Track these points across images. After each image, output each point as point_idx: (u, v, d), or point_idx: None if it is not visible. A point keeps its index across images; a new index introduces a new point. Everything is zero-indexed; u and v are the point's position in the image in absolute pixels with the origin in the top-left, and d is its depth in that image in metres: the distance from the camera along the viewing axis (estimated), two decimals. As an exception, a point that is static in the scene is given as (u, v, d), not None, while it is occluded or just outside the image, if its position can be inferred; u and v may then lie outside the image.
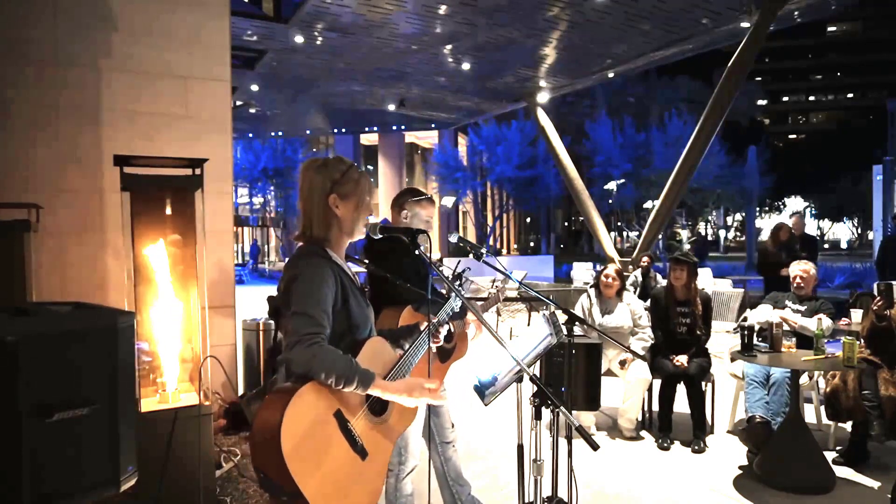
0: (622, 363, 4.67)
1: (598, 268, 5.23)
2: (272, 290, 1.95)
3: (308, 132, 25.01)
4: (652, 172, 27.09)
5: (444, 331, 2.13)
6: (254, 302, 5.63)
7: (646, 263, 8.74)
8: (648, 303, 5.22)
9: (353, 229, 1.88)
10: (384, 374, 1.83)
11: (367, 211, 1.90)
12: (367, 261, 2.66)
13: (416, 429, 2.64)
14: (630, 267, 11.78)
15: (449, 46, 11.39)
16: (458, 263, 2.73)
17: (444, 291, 2.65)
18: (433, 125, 21.71)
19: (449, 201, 31.88)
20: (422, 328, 2.03)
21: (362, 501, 1.73)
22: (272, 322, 5.27)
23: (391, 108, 16.38)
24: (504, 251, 37.98)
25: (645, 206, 29.04)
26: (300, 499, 1.54)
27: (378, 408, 1.81)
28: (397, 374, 1.87)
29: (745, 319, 4.55)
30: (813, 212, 46.51)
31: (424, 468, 2.70)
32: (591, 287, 5.12)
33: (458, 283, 2.62)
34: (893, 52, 56.56)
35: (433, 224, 2.87)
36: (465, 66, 12.57)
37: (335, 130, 24.01)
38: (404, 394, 1.75)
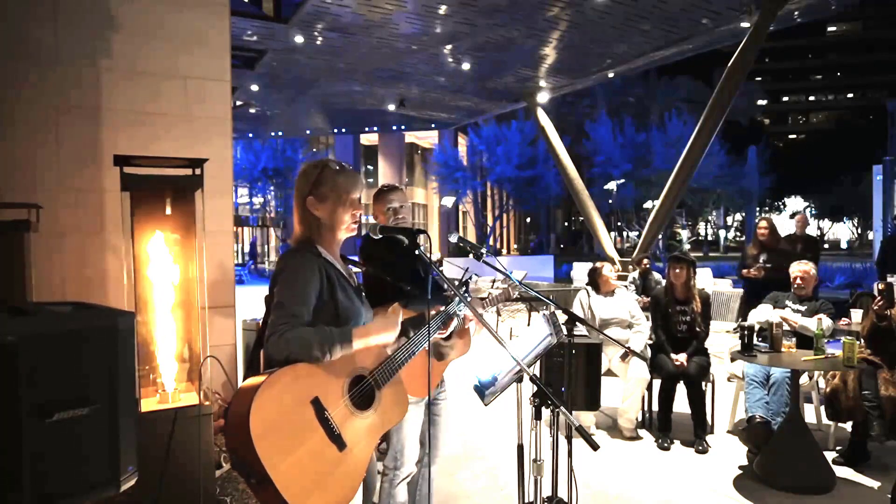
0: (623, 356, 4.68)
1: (596, 265, 5.25)
2: (272, 290, 1.95)
3: (308, 132, 25.01)
4: (652, 172, 27.12)
5: (454, 324, 2.13)
6: (254, 302, 5.63)
7: (645, 266, 8.72)
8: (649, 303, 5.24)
9: (337, 228, 1.90)
10: (373, 367, 1.85)
11: (350, 208, 1.90)
12: (360, 261, 2.65)
13: (413, 433, 2.58)
14: (630, 267, 11.79)
15: (449, 46, 11.39)
16: (467, 271, 2.72)
17: (446, 294, 2.63)
18: (433, 125, 21.72)
19: (449, 201, 31.88)
20: (427, 320, 2.03)
21: (338, 494, 1.69)
22: None
23: (391, 108, 16.39)
24: (504, 251, 37.98)
25: (645, 206, 29.06)
26: (269, 483, 1.51)
27: (362, 401, 1.80)
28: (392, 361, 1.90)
29: (745, 319, 4.55)
30: (813, 212, 46.51)
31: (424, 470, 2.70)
32: (586, 284, 5.16)
33: (463, 290, 2.60)
34: (893, 52, 56.55)
35: (408, 209, 2.90)
36: (465, 66, 12.57)
37: (335, 130, 24.02)
38: (383, 331, 1.80)
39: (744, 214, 37.17)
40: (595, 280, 5.03)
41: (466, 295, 2.56)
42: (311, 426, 1.64)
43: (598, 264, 5.19)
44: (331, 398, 1.71)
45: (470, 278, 2.67)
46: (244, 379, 1.70)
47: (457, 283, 2.56)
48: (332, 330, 1.71)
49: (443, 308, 2.29)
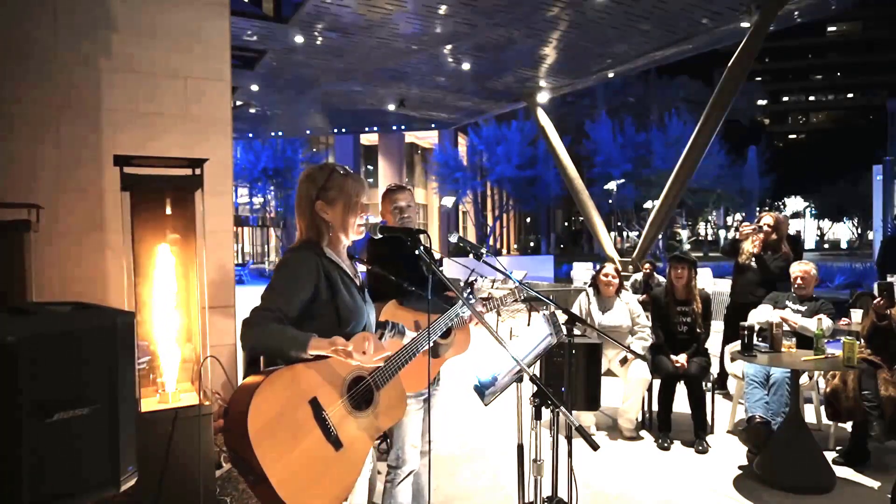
0: (623, 361, 4.67)
1: (597, 267, 5.22)
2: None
3: (308, 132, 25.02)
4: (652, 172, 27.16)
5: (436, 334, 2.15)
6: (254, 302, 5.63)
7: (647, 270, 8.66)
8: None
9: (346, 231, 1.92)
10: (371, 369, 1.84)
11: (358, 211, 1.92)
12: (364, 260, 2.66)
13: (413, 431, 2.58)
14: (630, 268, 11.77)
15: (449, 46, 11.39)
16: (472, 273, 2.73)
17: (448, 295, 2.63)
18: (433, 125, 21.71)
19: (449, 201, 31.88)
20: (422, 329, 2.04)
21: (332, 492, 1.70)
22: None
23: (391, 108, 16.38)
24: (504, 251, 37.98)
25: (645, 206, 29.09)
26: (265, 481, 1.54)
27: (360, 402, 1.81)
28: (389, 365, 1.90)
29: (745, 319, 4.55)
30: (813, 212, 46.55)
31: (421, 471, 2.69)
32: (588, 286, 5.13)
33: (468, 291, 2.61)
34: (893, 52, 56.55)
35: (414, 209, 2.94)
36: (465, 66, 12.58)
37: (335, 130, 24.02)
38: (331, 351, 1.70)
39: (744, 214, 37.19)
40: (595, 282, 5.00)
41: (470, 297, 2.56)
42: (309, 426, 1.66)
43: (605, 264, 5.09)
44: (329, 398, 1.72)
45: (475, 280, 2.68)
46: (244, 377, 1.71)
47: (462, 284, 2.57)
48: (287, 332, 1.69)
49: (447, 314, 2.30)
